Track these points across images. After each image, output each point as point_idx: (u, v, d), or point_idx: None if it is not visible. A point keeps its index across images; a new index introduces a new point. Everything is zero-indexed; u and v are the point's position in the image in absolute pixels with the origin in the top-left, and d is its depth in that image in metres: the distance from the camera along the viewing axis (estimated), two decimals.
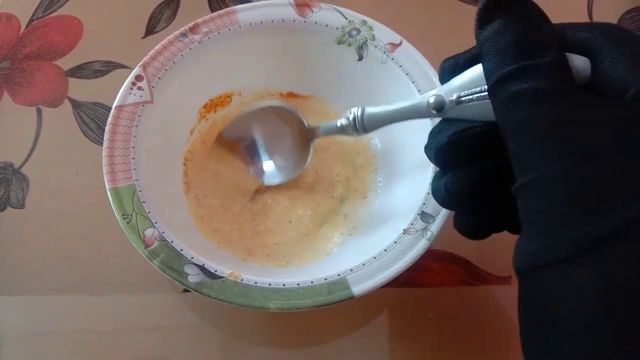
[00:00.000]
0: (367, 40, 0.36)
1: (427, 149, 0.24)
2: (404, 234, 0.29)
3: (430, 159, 0.24)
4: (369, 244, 0.30)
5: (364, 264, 0.28)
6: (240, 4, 0.37)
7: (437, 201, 0.24)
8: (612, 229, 0.16)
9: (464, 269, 0.35)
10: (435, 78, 0.33)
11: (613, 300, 0.16)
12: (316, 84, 0.38)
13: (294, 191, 0.36)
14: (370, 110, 0.27)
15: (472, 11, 0.45)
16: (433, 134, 0.23)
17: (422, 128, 0.32)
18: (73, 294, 0.34)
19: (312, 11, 0.36)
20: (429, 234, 0.29)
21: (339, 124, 0.29)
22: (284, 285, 0.27)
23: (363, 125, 0.28)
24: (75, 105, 0.41)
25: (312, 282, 0.28)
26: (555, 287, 0.16)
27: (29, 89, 0.42)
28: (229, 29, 0.36)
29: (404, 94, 0.34)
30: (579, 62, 0.19)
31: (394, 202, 0.33)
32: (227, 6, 0.44)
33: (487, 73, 0.20)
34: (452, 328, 0.34)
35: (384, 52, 0.35)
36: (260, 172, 0.35)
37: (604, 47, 0.19)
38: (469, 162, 0.22)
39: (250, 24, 0.36)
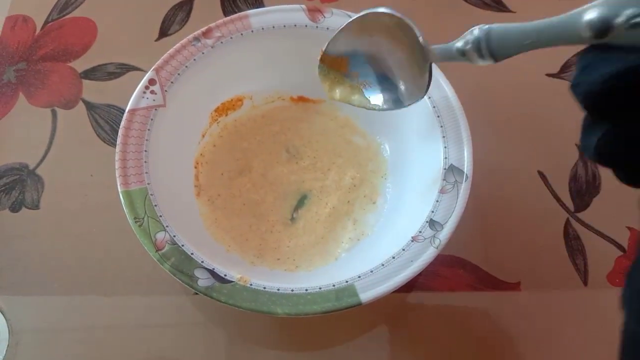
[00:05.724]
0: None
1: (578, 86, 0.18)
2: (412, 241, 0.29)
3: (578, 99, 0.18)
4: (377, 250, 0.30)
5: (372, 271, 0.28)
6: (253, 8, 0.37)
7: (586, 157, 0.20)
8: None
9: (473, 274, 0.35)
10: (445, 84, 0.33)
11: None
12: None
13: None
14: (499, 28, 0.21)
15: (483, 15, 0.46)
16: (584, 66, 0.18)
17: (430, 135, 0.32)
18: (87, 294, 0.34)
19: (324, 17, 0.36)
20: (437, 242, 0.29)
21: (456, 47, 0.24)
22: (292, 290, 0.28)
23: (490, 50, 0.22)
24: (90, 107, 0.42)
25: (320, 288, 0.28)
26: None
27: (44, 90, 0.43)
28: (242, 34, 0.36)
29: None
30: None
31: (403, 209, 0.33)
32: (240, 10, 0.44)
33: None
34: (460, 333, 0.34)
35: None
36: (375, 98, 0.32)
37: None
38: (631, 110, 0.17)
39: (263, 28, 0.36)
